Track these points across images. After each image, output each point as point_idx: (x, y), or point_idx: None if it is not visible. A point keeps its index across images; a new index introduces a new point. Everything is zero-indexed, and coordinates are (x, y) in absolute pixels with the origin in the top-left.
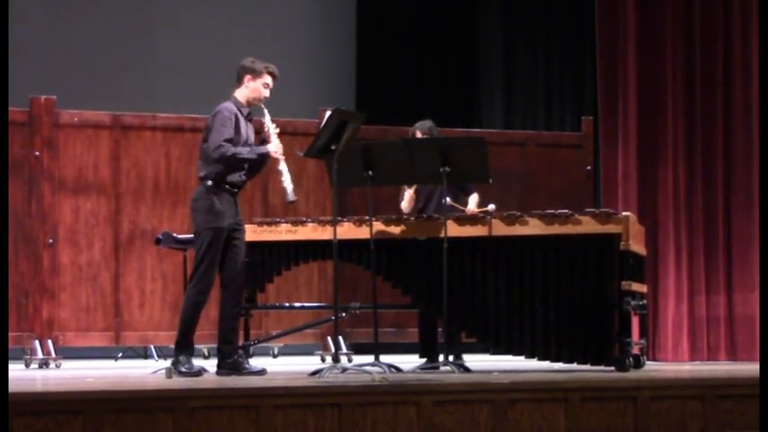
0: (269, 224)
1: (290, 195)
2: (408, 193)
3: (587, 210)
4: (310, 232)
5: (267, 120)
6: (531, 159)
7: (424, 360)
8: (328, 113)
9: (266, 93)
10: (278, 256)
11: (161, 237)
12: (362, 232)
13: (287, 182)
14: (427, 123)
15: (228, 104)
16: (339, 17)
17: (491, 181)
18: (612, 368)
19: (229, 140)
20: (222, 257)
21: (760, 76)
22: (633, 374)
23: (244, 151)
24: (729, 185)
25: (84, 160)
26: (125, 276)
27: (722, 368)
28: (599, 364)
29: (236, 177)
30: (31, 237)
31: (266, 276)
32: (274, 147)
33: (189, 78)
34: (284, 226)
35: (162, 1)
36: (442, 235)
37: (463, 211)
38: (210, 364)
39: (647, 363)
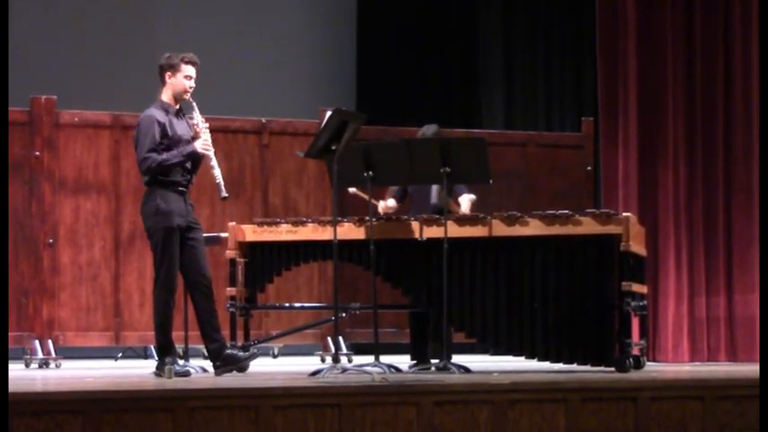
0: (269, 224)
1: (223, 191)
2: (392, 201)
3: (587, 210)
4: (310, 232)
5: (196, 114)
6: (531, 160)
7: (413, 362)
8: (329, 114)
9: (190, 84)
10: (278, 257)
11: None
12: (362, 232)
13: (218, 177)
14: (432, 128)
15: (149, 112)
16: (340, 18)
17: (492, 181)
18: (612, 369)
19: (154, 149)
20: (184, 266)
21: (760, 76)
22: (633, 375)
23: (170, 156)
24: (730, 186)
25: (84, 160)
26: (125, 276)
27: (722, 369)
28: (599, 365)
29: (179, 177)
30: (32, 237)
31: (266, 277)
32: (200, 143)
33: None
34: (284, 226)
35: (162, 1)
36: (443, 235)
37: (456, 212)
38: (210, 364)
39: (648, 363)
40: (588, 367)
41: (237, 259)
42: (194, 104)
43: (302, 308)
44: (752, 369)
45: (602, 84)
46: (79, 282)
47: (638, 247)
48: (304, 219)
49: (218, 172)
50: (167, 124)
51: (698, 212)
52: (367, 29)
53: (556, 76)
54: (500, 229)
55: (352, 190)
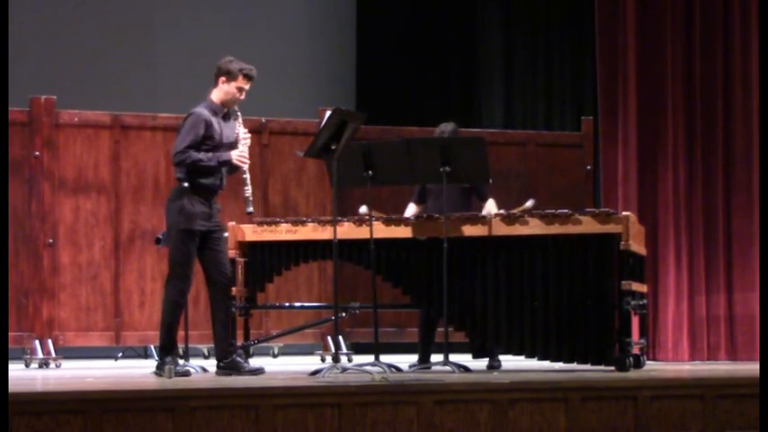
0: (269, 224)
1: (249, 206)
2: (410, 208)
3: (587, 209)
4: (310, 232)
5: (239, 126)
6: (531, 159)
7: (416, 360)
8: (328, 113)
9: (240, 96)
10: (278, 256)
11: (161, 237)
12: (362, 232)
13: (248, 191)
14: (450, 126)
15: (200, 110)
16: (339, 17)
17: (491, 181)
18: (612, 368)
19: (193, 146)
20: (206, 264)
21: (760, 75)
22: (633, 374)
23: (206, 158)
24: (729, 185)
25: (84, 160)
26: (125, 276)
27: (722, 368)
28: (599, 364)
29: (209, 181)
30: (31, 237)
31: (266, 276)
32: (236, 154)
33: (189, 78)
34: (284, 226)
35: (162, 1)
36: (443, 235)
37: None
38: (210, 364)
39: (648, 362)
40: (588, 366)
41: (237, 259)
42: (239, 114)
43: (302, 307)
44: (752, 368)
45: (601, 83)
46: (79, 282)
47: (637, 246)
48: (304, 218)
49: (248, 186)
50: (214, 126)
51: (698, 211)
52: (367, 28)
53: (555, 75)
54: (500, 228)
55: (363, 209)
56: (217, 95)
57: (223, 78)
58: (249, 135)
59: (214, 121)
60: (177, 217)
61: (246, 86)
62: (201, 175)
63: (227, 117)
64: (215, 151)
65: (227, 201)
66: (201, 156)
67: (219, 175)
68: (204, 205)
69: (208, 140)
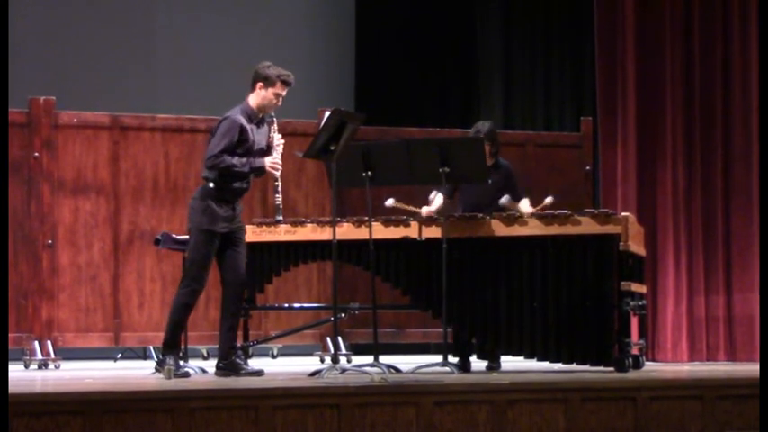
0: (268, 225)
1: (279, 215)
2: (438, 198)
3: (586, 210)
4: (309, 233)
5: (273, 130)
6: (530, 160)
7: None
8: (327, 114)
9: (277, 102)
10: (277, 257)
11: (160, 237)
12: (362, 233)
13: (278, 199)
14: (487, 124)
15: (236, 115)
16: (338, 18)
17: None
18: (612, 368)
19: (227, 151)
20: (223, 262)
21: (759, 76)
22: (632, 375)
23: (239, 164)
24: (728, 185)
25: (83, 161)
26: (124, 277)
27: (721, 368)
28: (598, 365)
29: (237, 184)
30: (31, 237)
31: (265, 277)
32: (270, 161)
33: (188, 79)
34: (283, 226)
35: (162, 2)
36: (442, 235)
37: (519, 212)
38: (209, 365)
39: (647, 363)
40: (587, 367)
41: None
42: (274, 119)
43: (301, 308)
44: (751, 368)
45: (600, 83)
46: (78, 283)
47: (636, 246)
48: (303, 219)
49: (279, 194)
50: (248, 131)
51: (697, 212)
52: (366, 29)
53: (555, 75)
54: (499, 228)
55: (389, 203)
56: (254, 100)
57: (261, 84)
58: (283, 141)
59: (248, 126)
60: (201, 217)
61: (283, 93)
62: (232, 179)
63: (260, 122)
64: (247, 156)
65: None
66: (235, 161)
67: (248, 178)
68: (228, 207)
69: (241, 145)
